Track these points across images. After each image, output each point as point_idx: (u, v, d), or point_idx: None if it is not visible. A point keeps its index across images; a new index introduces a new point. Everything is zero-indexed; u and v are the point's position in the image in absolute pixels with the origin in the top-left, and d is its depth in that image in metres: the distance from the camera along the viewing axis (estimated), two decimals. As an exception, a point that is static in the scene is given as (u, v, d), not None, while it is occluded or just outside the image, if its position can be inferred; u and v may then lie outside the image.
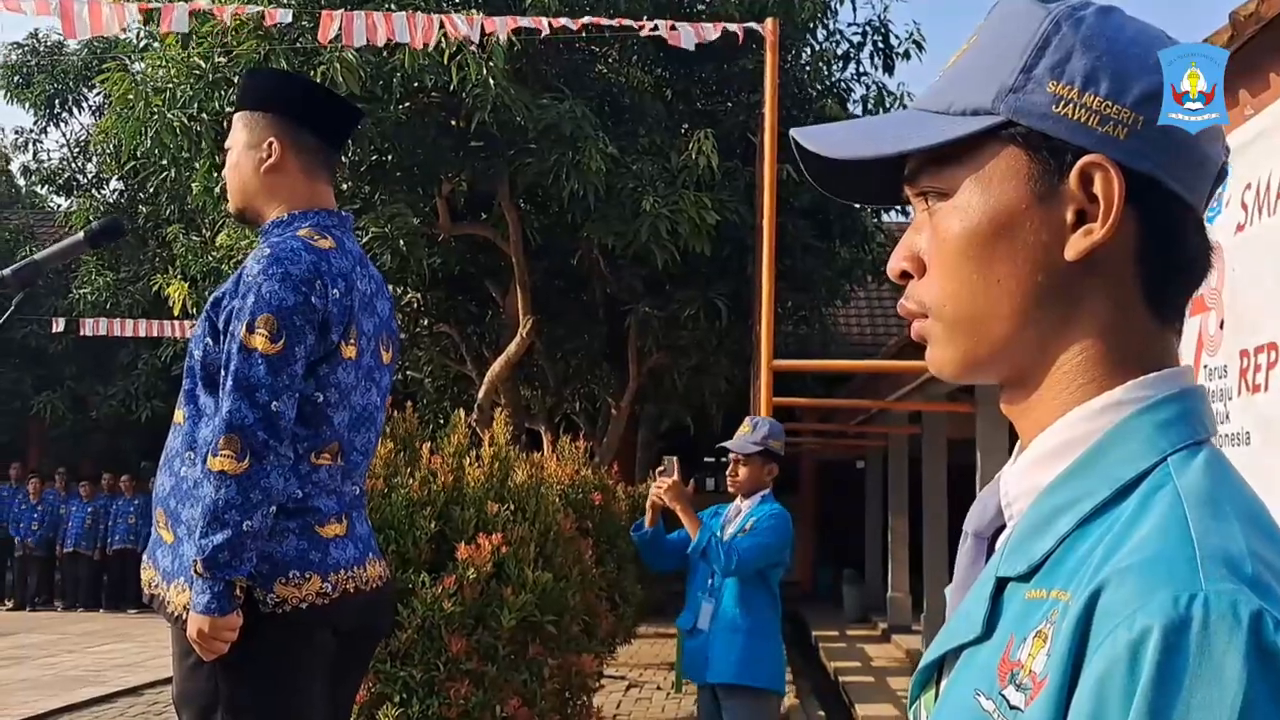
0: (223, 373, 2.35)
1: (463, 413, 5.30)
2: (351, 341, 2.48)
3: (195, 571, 2.29)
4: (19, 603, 16.54)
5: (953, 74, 0.90)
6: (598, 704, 5.74)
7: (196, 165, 9.87)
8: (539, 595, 4.60)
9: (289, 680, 2.39)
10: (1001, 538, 0.87)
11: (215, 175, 9.49)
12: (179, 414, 2.47)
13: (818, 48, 13.58)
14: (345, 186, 10.02)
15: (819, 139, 0.92)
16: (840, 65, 13.73)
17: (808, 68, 13.39)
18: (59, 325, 16.47)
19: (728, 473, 4.69)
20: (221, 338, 2.39)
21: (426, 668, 4.29)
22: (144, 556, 2.51)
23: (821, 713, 9.09)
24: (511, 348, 11.05)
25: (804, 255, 12.43)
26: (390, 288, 9.86)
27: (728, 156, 11.16)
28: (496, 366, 11.23)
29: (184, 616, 2.33)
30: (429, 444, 4.91)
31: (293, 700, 2.39)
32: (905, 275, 0.92)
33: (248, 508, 2.27)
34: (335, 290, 2.43)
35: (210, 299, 2.45)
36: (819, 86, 13.37)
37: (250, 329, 2.32)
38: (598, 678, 5.86)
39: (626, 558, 8.82)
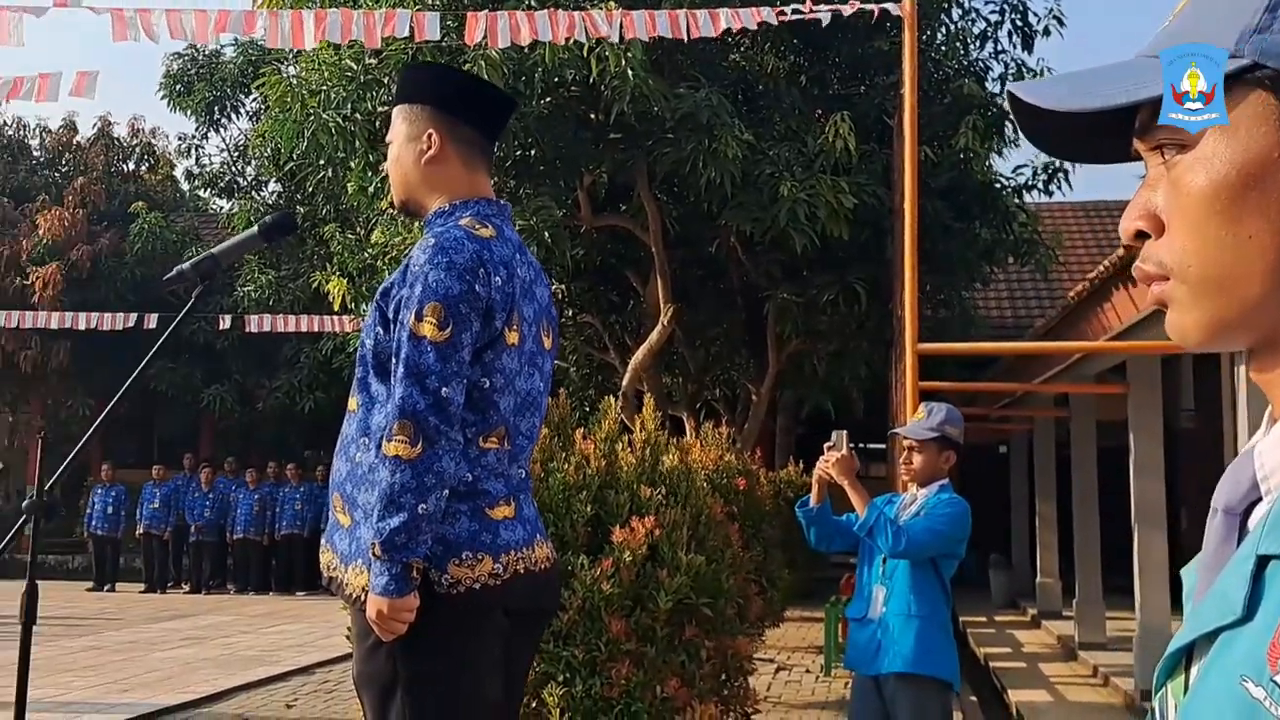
0: (394, 360, 2.37)
1: (613, 399, 5.30)
2: (514, 327, 2.48)
3: (373, 554, 2.31)
4: (195, 586, 17.26)
5: (1186, 18, 0.83)
6: (751, 686, 5.69)
7: (351, 165, 10.10)
8: (693, 578, 4.57)
9: (465, 660, 2.40)
10: (1258, 513, 0.80)
11: (369, 174, 9.71)
12: (353, 401, 2.50)
13: (954, 27, 13.25)
14: (492, 181, 10.20)
15: (1040, 93, 0.85)
16: (978, 44, 13.36)
17: (944, 47, 13.08)
18: (225, 323, 17.10)
19: (901, 460, 4.47)
20: (391, 326, 2.41)
21: (588, 648, 4.31)
22: (322, 540, 2.55)
23: (973, 698, 8.88)
24: (653, 336, 11.07)
25: (943, 237, 12.15)
26: (545, 282, 9.84)
27: (864, 139, 10.96)
28: (639, 354, 11.26)
29: (362, 598, 2.36)
30: (581, 429, 4.92)
31: (469, 679, 2.40)
32: (1140, 236, 0.85)
33: (422, 491, 2.28)
34: (497, 278, 2.43)
35: (380, 289, 2.47)
36: (956, 65, 13.04)
37: (419, 317, 2.34)
38: (752, 660, 5.81)
39: (772, 542, 8.75)
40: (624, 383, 11.02)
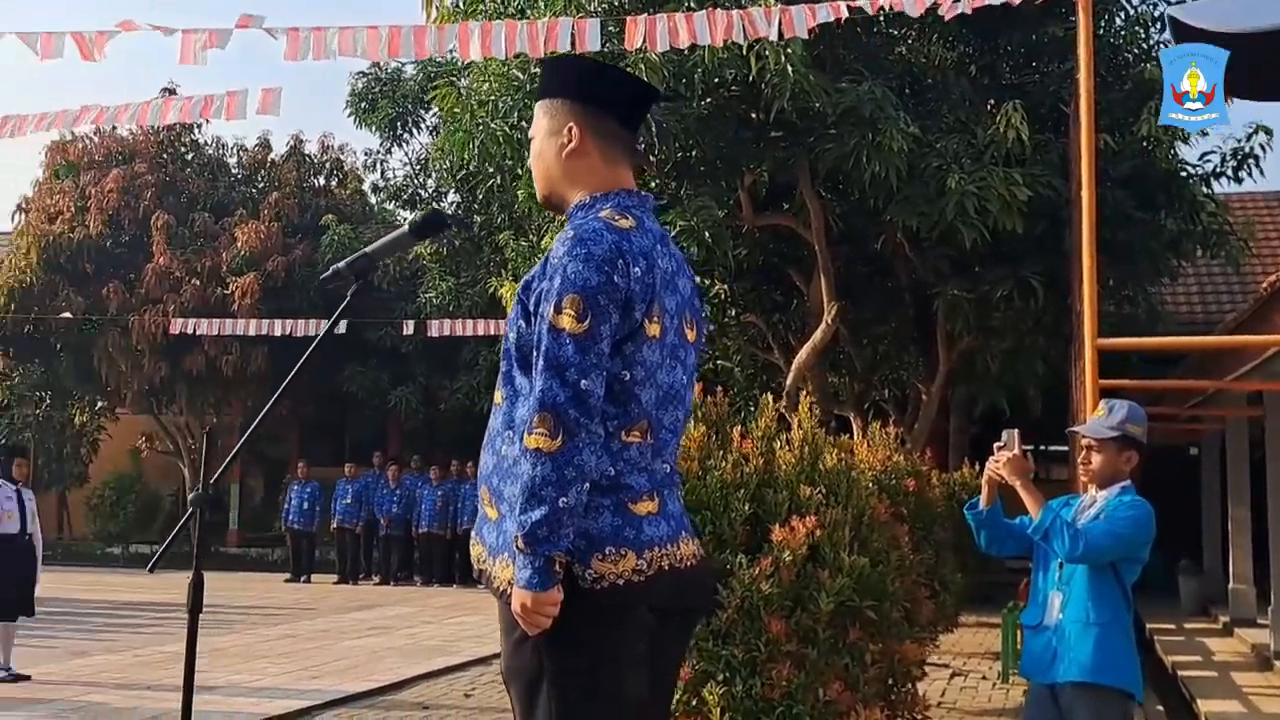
0: (534, 353, 2.35)
1: (770, 397, 5.20)
2: (655, 319, 2.42)
3: (516, 547, 2.29)
4: (384, 578, 17.84)
5: None
6: (921, 691, 5.51)
7: (519, 172, 10.25)
8: (856, 579, 4.45)
9: (611, 656, 2.36)
10: None
11: (538, 181, 9.78)
12: (498, 395, 2.49)
13: (1133, 11, 12.64)
14: (653, 184, 10.17)
15: (1203, 15, 0.74)
16: (1158, 27, 12.72)
17: (1123, 32, 12.49)
18: (409, 328, 17.65)
19: (1080, 460, 4.24)
20: (532, 319, 2.39)
21: (747, 648, 4.23)
22: (472, 533, 2.55)
23: (1160, 707, 8.43)
24: (817, 335, 10.89)
25: (1125, 228, 11.59)
26: (698, 280, 9.84)
27: (1038, 129, 10.55)
28: (803, 354, 11.10)
29: (508, 591, 2.35)
30: (739, 428, 4.84)
31: (615, 675, 2.36)
32: None
33: (563, 484, 2.25)
34: (637, 269, 2.38)
35: (521, 283, 2.46)
36: (1135, 51, 12.44)
37: (557, 309, 2.31)
38: (921, 665, 5.62)
39: (944, 545, 8.48)
40: (788, 382, 10.87)
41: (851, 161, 9.46)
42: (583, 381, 2.28)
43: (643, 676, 2.39)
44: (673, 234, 9.89)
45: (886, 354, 13.82)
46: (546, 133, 2.58)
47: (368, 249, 2.68)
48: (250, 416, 20.24)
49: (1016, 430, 4.15)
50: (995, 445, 4.14)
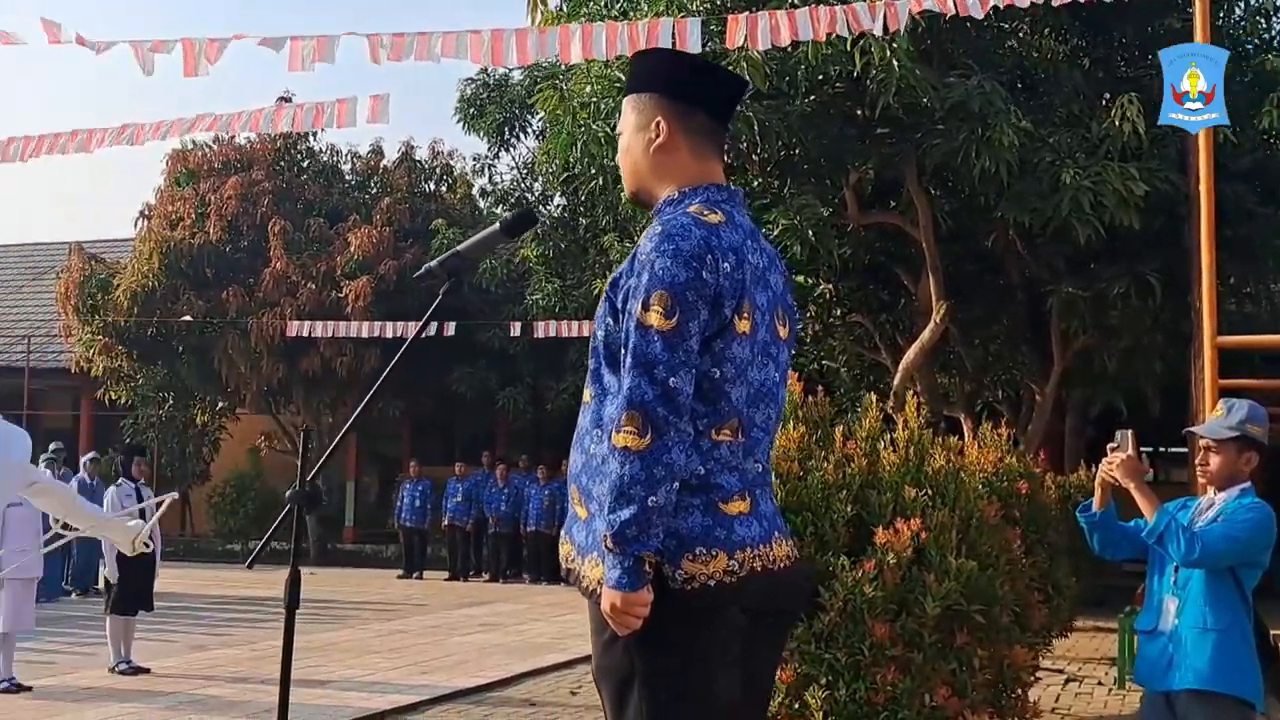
0: (622, 351, 2.30)
1: (874, 396, 5.08)
2: (745, 316, 2.36)
3: (605, 546, 2.25)
4: (493, 575, 18.04)
5: None
6: (1034, 697, 5.34)
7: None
8: (963, 583, 4.32)
9: (702, 657, 2.30)
10: None
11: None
12: (586, 393, 2.45)
13: (1253, 1, 12.15)
14: (756, 183, 10.09)
15: None
16: (1280, 17, 12.21)
17: (1242, 23, 12.02)
18: (516, 329, 17.81)
19: (1197, 461, 4.09)
20: (620, 317, 2.34)
21: (851, 651, 4.15)
22: (562, 532, 2.51)
23: (1285, 717, 8.06)
24: (925, 334, 10.66)
25: (1246, 223, 11.13)
26: (802, 279, 9.68)
27: (1155, 122, 10.18)
28: (911, 354, 10.88)
29: (598, 591, 2.31)
30: (841, 428, 4.74)
31: (707, 677, 2.31)
32: None
33: (652, 483, 2.20)
34: (726, 264, 2.32)
35: (609, 280, 2.41)
36: (1255, 42, 11.96)
37: (645, 306, 2.26)
38: (1033, 670, 5.44)
39: (1058, 549, 8.23)
40: (895, 382, 10.67)
41: (960, 157, 9.24)
42: (671, 379, 2.22)
43: (735, 678, 2.34)
44: (775, 233, 9.77)
45: (998, 354, 13.49)
46: (634, 128, 2.53)
47: (459, 247, 2.66)
48: (364, 416, 20.64)
49: (1131, 431, 4.02)
50: (1109, 446, 4.02)
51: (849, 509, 4.36)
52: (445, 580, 17.87)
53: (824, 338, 13.39)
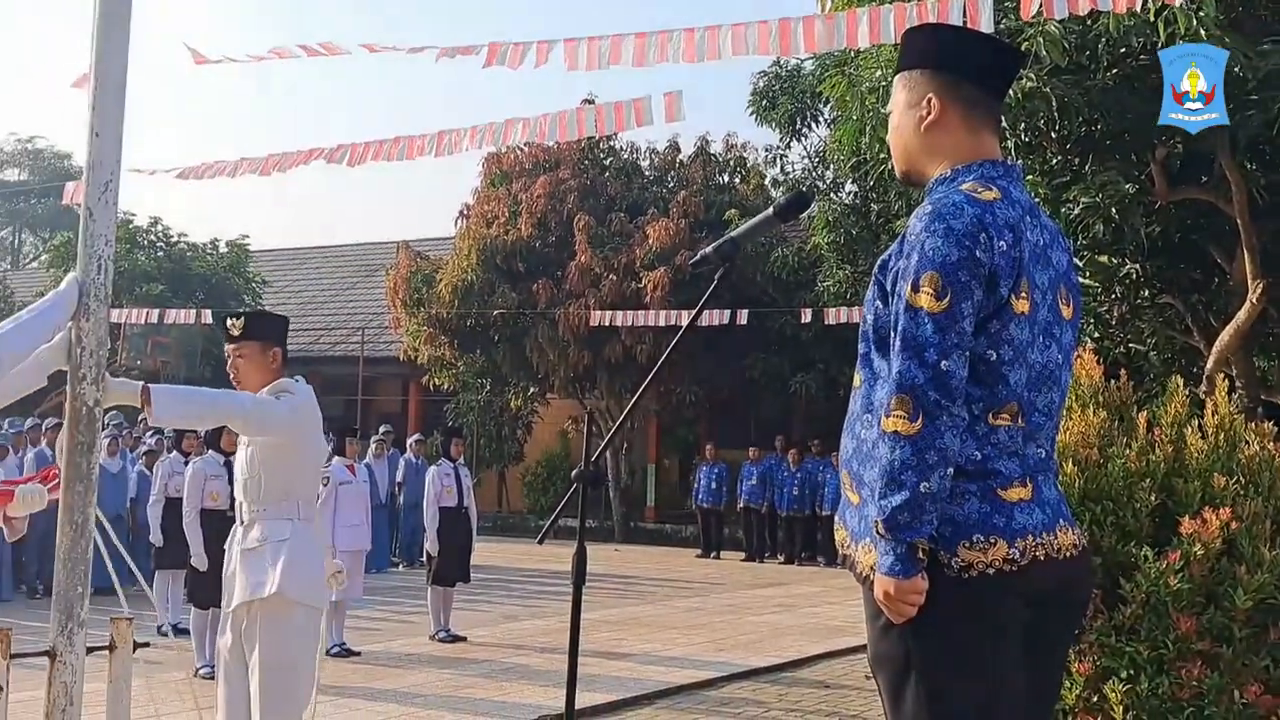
0: (892, 334, 2.24)
1: (1180, 380, 4.73)
2: (1023, 295, 2.24)
3: (877, 533, 2.21)
4: (788, 558, 18.06)
5: None
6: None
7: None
8: (1278, 576, 3.98)
9: (981, 647, 2.22)
10: None
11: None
12: (856, 377, 2.41)
13: None
14: (1055, 160, 9.56)
15: None
16: None
17: None
18: (807, 315, 17.74)
19: None
20: (890, 299, 2.28)
21: (1154, 645, 3.95)
22: (835, 517, 2.48)
23: None
24: (1241, 315, 9.78)
25: None
26: (1106, 259, 9.05)
27: None
28: (1225, 336, 10.01)
29: (871, 577, 2.27)
30: (1144, 413, 4.45)
31: (987, 667, 2.22)
32: None
33: (924, 468, 2.14)
34: (1001, 242, 2.21)
35: (878, 262, 2.36)
36: None
37: (915, 288, 2.19)
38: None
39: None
40: (1208, 366, 9.86)
41: (1277, 129, 8.41)
42: (943, 362, 2.15)
43: (1017, 669, 2.24)
44: (1076, 211, 9.26)
45: (1325, 334, 12.21)
46: (905, 106, 2.46)
47: (733, 233, 2.67)
48: (664, 401, 21.13)
49: None
50: None
51: (1153, 498, 4.13)
52: (742, 561, 18.05)
53: (1131, 320, 12.54)
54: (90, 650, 3.10)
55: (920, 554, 2.18)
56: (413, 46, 7.24)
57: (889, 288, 2.29)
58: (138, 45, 3.01)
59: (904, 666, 2.26)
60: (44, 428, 13.13)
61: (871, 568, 2.26)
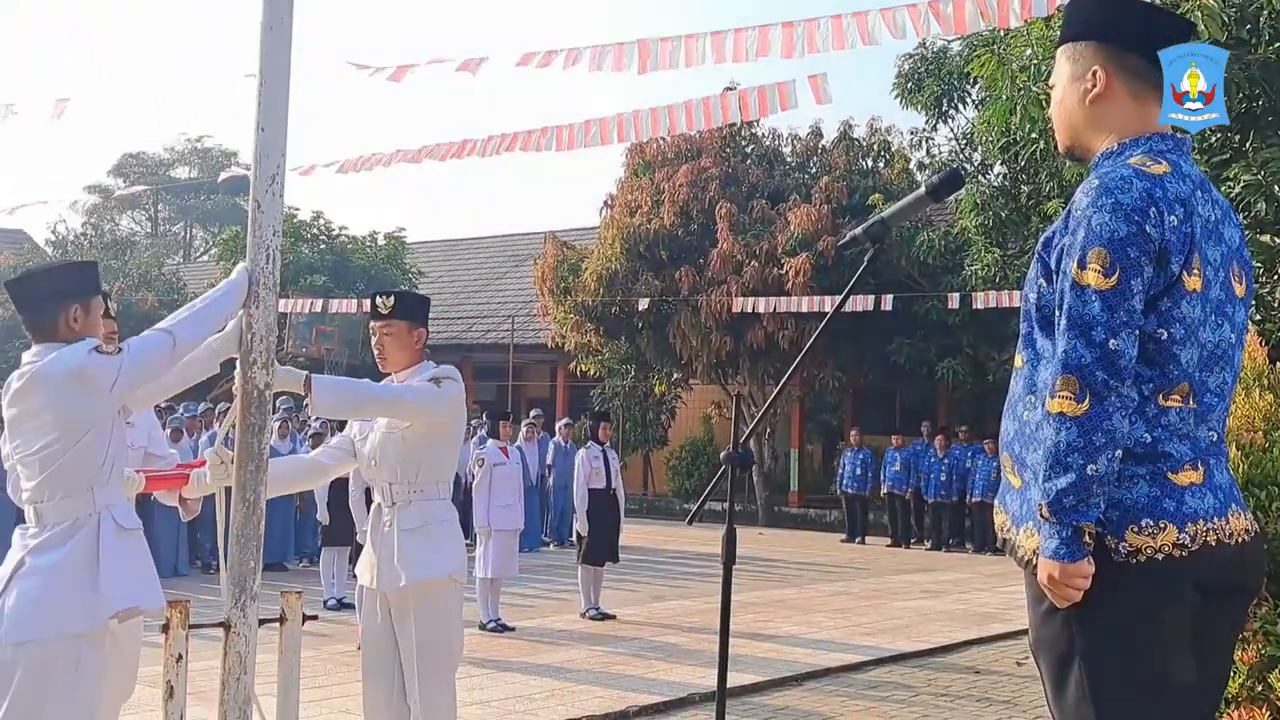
0: (1057, 313, 2.15)
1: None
2: (1195, 272, 2.13)
3: (1040, 516, 2.13)
4: (935, 544, 17.70)
5: None
6: None
7: (1065, 137, 9.49)
8: None
9: (1148, 634, 2.12)
10: None
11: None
12: (1018, 358, 2.32)
13: None
14: (1214, 138, 9.07)
15: None
16: None
17: None
18: (954, 301, 17.31)
19: None
20: (1054, 277, 2.19)
21: (1325, 635, 3.70)
22: (995, 501, 2.40)
23: None
24: None
25: None
26: (1268, 238, 8.57)
27: None
28: None
29: (1034, 561, 2.19)
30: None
31: (1154, 655, 2.12)
32: None
33: (1090, 450, 2.05)
34: (1172, 217, 2.10)
35: (1041, 239, 2.26)
36: None
37: (1081, 265, 2.10)
38: None
39: None
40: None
41: None
42: (1111, 341, 2.05)
43: (1185, 658, 2.13)
44: (1236, 190, 8.78)
45: None
46: (1069, 79, 2.35)
47: (883, 214, 2.60)
48: (807, 387, 20.94)
49: None
50: None
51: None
52: (887, 546, 17.77)
53: (1299, 301, 11.86)
54: (262, 622, 3.21)
55: (1086, 538, 2.09)
56: (568, 51, 7.19)
57: (1053, 265, 2.20)
58: (297, 46, 3.10)
59: (1067, 653, 2.18)
60: (216, 412, 13.64)
61: (1034, 552, 2.18)
